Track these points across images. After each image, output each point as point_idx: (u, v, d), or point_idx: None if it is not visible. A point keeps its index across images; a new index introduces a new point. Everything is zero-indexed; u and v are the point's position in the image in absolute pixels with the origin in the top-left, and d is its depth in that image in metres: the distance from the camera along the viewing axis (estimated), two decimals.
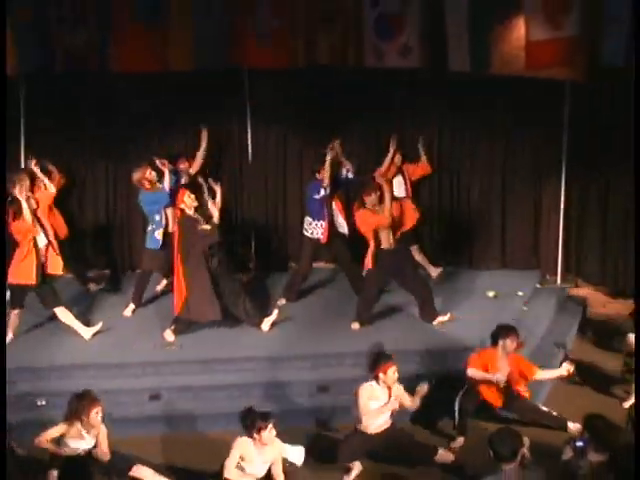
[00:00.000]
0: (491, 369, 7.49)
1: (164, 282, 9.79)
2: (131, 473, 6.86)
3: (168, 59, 9.41)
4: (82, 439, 6.74)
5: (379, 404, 7.03)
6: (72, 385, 7.87)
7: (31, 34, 9.09)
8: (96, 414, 6.59)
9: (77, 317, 8.91)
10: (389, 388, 7.05)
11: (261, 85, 10.54)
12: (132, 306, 9.36)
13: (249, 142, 10.88)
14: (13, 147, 10.13)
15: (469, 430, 7.44)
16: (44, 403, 7.93)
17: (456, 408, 7.68)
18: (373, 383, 7.06)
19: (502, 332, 7.61)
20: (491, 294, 10.15)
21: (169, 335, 8.66)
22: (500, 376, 7.42)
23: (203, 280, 8.54)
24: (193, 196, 8.66)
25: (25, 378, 8.07)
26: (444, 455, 7.27)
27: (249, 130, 10.84)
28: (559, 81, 9.34)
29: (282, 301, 9.56)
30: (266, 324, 8.77)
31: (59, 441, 6.80)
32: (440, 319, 8.99)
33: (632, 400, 7.69)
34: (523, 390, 7.67)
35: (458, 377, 7.76)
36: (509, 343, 7.53)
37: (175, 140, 10.63)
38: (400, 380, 7.16)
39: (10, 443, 7.08)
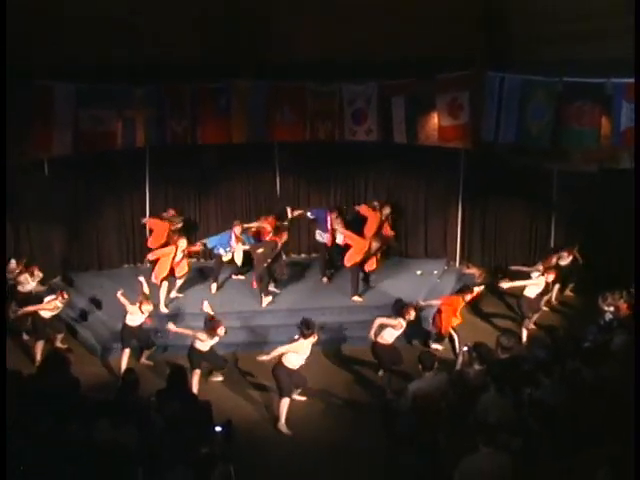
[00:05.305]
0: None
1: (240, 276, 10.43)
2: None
3: (231, 135, 10.21)
4: (210, 339, 7.56)
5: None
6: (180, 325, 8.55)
7: (154, 123, 9.83)
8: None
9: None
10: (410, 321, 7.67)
11: (284, 151, 11.17)
12: (214, 285, 10.05)
13: (277, 185, 11.57)
14: (141, 194, 10.99)
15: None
16: (160, 335, 8.68)
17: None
18: (401, 319, 7.50)
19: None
20: (419, 272, 10.65)
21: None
22: None
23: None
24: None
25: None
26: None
27: (277, 177, 11.54)
28: (458, 148, 10.29)
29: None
30: None
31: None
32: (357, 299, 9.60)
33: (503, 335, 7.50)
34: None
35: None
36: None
37: (236, 179, 11.25)
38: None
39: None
